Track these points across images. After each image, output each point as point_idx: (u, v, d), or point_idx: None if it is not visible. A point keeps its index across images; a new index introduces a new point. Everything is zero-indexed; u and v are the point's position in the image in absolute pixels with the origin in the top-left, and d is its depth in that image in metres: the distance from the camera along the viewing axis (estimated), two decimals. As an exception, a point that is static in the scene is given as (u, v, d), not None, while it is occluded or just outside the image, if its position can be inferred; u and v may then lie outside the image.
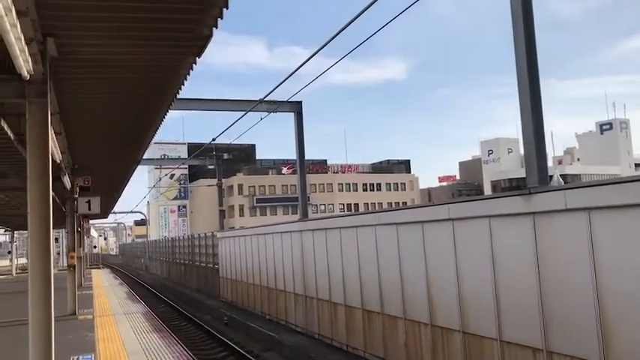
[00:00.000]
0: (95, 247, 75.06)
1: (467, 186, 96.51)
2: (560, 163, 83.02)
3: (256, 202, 79.81)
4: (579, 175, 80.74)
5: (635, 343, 6.19)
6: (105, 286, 25.26)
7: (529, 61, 7.98)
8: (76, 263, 15.34)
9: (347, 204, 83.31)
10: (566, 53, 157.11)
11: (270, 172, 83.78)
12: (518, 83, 8.13)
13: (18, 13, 4.11)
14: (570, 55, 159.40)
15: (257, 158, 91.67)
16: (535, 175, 7.86)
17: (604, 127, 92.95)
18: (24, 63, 4.85)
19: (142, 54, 6.16)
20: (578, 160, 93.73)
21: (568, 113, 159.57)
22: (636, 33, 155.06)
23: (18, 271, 36.30)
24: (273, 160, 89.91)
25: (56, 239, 38.96)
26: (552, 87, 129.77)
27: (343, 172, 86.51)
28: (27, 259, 14.73)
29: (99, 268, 49.21)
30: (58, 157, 9.80)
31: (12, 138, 7.70)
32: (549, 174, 8.46)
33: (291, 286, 16.45)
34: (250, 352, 14.03)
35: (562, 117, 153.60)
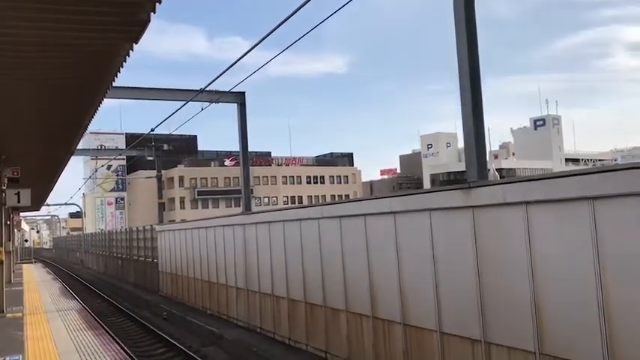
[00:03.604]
0: (27, 240, 71.88)
1: (407, 179, 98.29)
2: (496, 157, 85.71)
3: (198, 195, 78.41)
4: (514, 169, 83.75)
5: (569, 333, 6.41)
6: (37, 281, 24.17)
7: (470, 58, 8.10)
8: (4, 258, 14.56)
9: (291, 197, 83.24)
10: (503, 51, 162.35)
11: (213, 164, 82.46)
12: (459, 79, 8.25)
13: None
14: (506, 52, 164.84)
15: (199, 149, 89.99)
16: (474, 169, 8.01)
17: (537, 123, 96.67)
18: (-60, 44, 4.46)
19: (75, 38, 5.80)
20: (514, 154, 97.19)
21: (504, 109, 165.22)
22: (568, 32, 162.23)
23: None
24: (216, 151, 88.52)
25: (-17, 233, 36.90)
26: (489, 83, 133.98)
27: (287, 165, 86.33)
28: (-51, 254, 13.88)
29: (31, 262, 47.19)
30: (-17, 147, 9.21)
31: None
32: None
33: (233, 280, 16.24)
34: (190, 348, 13.75)
35: (498, 112, 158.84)
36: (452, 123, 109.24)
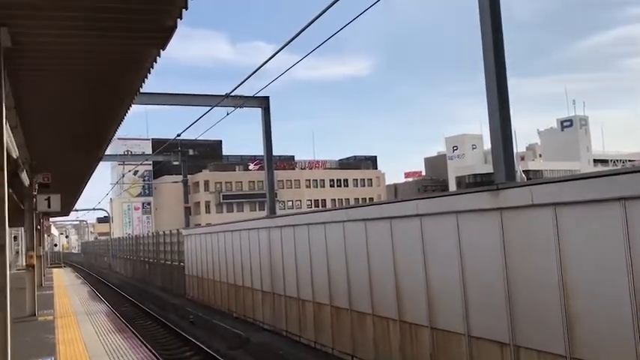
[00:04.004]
0: (56, 245, 73.31)
1: (432, 182, 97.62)
2: (522, 159, 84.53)
3: (223, 199, 79.07)
4: (541, 170, 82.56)
5: (600, 336, 6.28)
6: (66, 285, 24.59)
7: (496, 59, 8.03)
8: (35, 263, 14.84)
9: (314, 200, 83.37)
10: (527, 52, 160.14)
11: (237, 168, 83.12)
12: (486, 81, 8.18)
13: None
14: (530, 53, 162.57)
15: (223, 154, 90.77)
16: (502, 171, 7.92)
17: (564, 124, 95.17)
18: (-25, 53, 4.58)
19: (104, 45, 5.91)
20: (540, 156, 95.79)
21: (529, 110, 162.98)
22: (593, 32, 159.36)
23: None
24: (240, 156, 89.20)
25: (15, 238, 37.76)
26: (514, 84, 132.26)
27: (311, 169, 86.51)
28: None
29: (60, 267, 48.05)
30: (15, 153, 9.42)
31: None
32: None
33: (259, 284, 16.30)
34: (217, 351, 13.83)
35: (523, 114, 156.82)
36: (477, 125, 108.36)
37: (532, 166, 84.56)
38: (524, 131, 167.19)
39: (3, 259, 5.63)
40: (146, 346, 10.41)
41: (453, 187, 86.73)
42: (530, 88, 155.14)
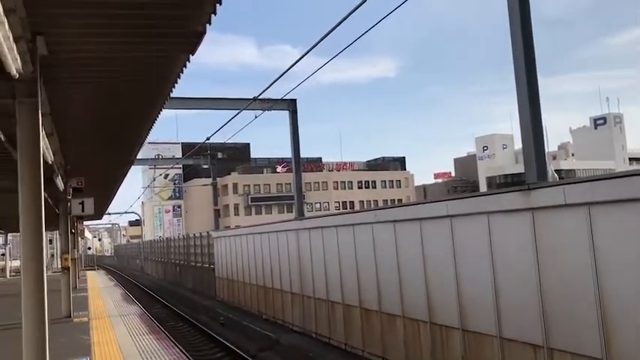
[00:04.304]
0: (89, 248, 74.73)
1: (462, 182, 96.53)
2: (554, 158, 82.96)
3: (251, 201, 79.59)
4: (574, 170, 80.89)
5: (637, 338, 6.13)
6: (100, 287, 25.08)
7: (526, 58, 7.92)
8: (70, 265, 15.18)
9: (342, 202, 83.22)
10: (557, 49, 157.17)
11: (265, 171, 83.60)
12: (516, 80, 8.08)
13: (6, 10, 3.98)
14: (561, 50, 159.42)
15: (251, 157, 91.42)
16: (534, 170, 7.80)
17: (598, 122, 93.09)
18: (12, 62, 4.71)
19: (135, 51, 6.03)
20: (573, 155, 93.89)
21: (561, 108, 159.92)
22: (621, 29, 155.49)
23: (12, 273, 36.05)
24: (268, 158, 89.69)
25: (50, 241, 38.64)
26: (545, 82, 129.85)
27: (338, 170, 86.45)
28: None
29: (94, 269, 49.01)
30: (50, 158, 9.64)
31: (2, 139, 7.55)
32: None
33: (288, 285, 16.37)
34: (247, 352, 13.94)
35: (555, 112, 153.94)
36: (508, 124, 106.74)
37: (564, 165, 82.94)
38: (556, 130, 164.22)
39: (40, 261, 5.77)
40: (178, 347, 10.55)
41: (483, 187, 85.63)
42: (560, 86, 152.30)
